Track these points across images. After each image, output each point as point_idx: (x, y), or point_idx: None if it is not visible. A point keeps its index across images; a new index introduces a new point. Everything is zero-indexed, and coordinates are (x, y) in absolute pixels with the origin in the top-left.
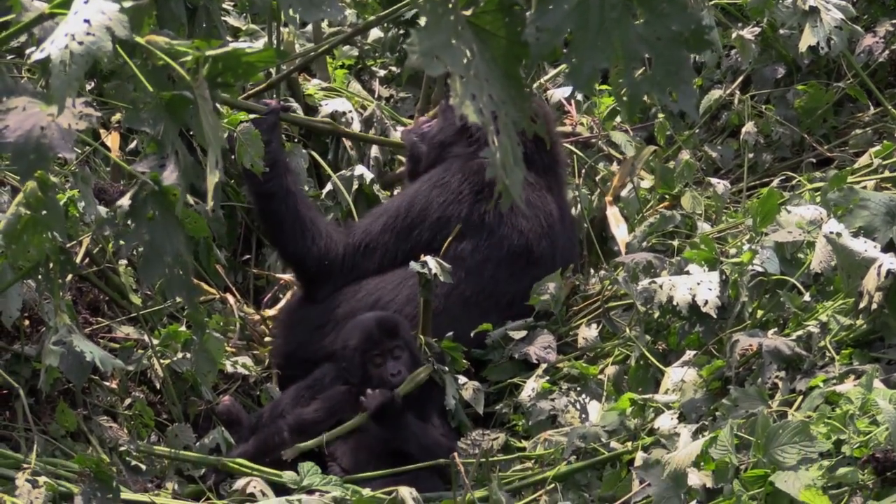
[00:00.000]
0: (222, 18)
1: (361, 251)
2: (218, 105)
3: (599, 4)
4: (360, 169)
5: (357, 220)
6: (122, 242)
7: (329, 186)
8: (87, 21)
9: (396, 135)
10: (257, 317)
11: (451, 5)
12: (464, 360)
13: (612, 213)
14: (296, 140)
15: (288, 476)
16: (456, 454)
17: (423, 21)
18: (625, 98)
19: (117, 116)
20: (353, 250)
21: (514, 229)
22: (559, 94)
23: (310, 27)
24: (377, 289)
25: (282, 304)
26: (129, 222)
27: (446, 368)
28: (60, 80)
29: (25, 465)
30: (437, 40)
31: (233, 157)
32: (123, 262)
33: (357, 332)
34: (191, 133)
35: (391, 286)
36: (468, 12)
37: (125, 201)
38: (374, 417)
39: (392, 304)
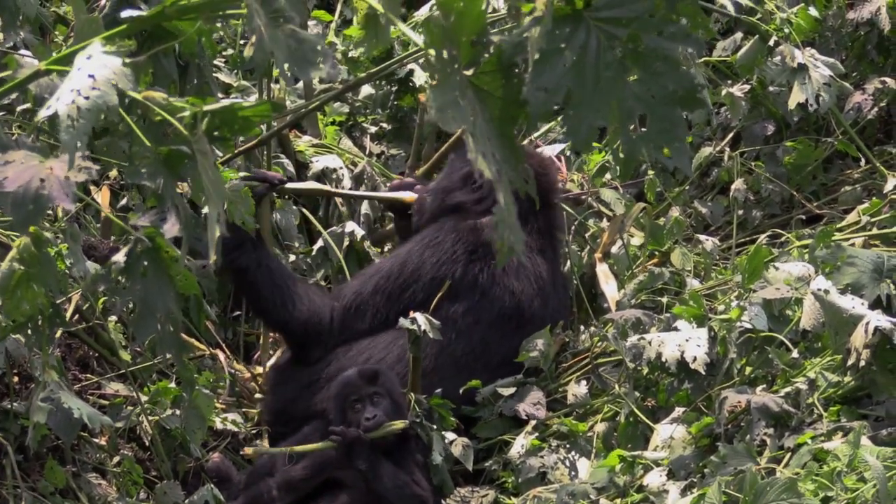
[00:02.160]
0: (213, 75)
1: (353, 312)
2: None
3: (595, 64)
4: (350, 225)
5: (348, 276)
6: (115, 299)
7: (320, 243)
8: (91, 76)
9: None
10: (247, 373)
11: (456, 66)
12: (452, 418)
13: (602, 270)
14: (286, 197)
15: None
16: None
17: (436, 78)
18: (621, 155)
19: (114, 172)
20: (342, 312)
21: (506, 290)
22: (549, 150)
23: (301, 84)
24: (367, 348)
25: (272, 361)
26: (122, 279)
27: (434, 426)
28: (70, 134)
29: None
30: (448, 98)
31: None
32: (113, 318)
33: (339, 380)
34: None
35: (382, 345)
36: (469, 73)
37: (120, 257)
38: (343, 452)
39: (382, 364)
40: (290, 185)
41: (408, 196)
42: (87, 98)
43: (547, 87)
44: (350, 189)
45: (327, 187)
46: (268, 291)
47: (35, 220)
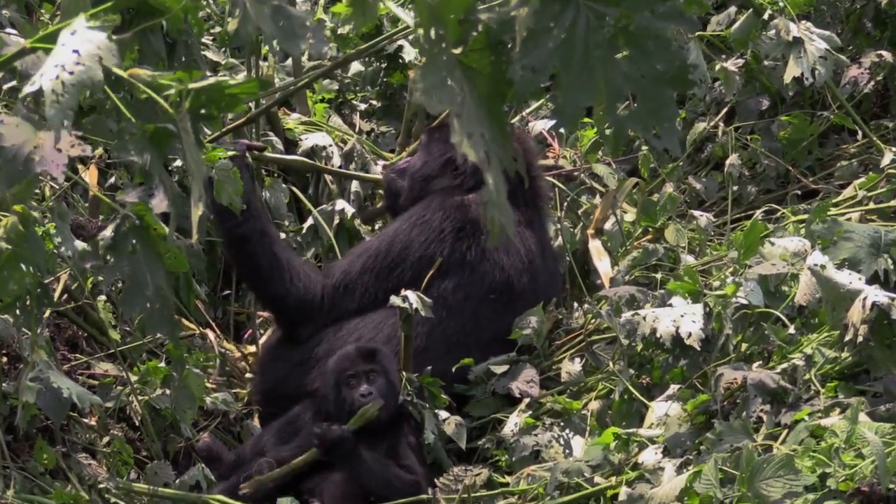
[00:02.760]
0: (201, 52)
1: (341, 291)
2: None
3: (584, 42)
4: (340, 203)
5: (339, 255)
6: (101, 277)
7: (310, 221)
8: (76, 51)
9: (377, 169)
10: (238, 353)
11: (444, 45)
12: (444, 396)
13: (595, 247)
14: (276, 175)
15: None
16: (439, 490)
17: (423, 59)
18: (608, 134)
19: (99, 151)
20: (332, 291)
21: (496, 266)
22: (541, 126)
23: (289, 61)
24: (357, 328)
25: (262, 340)
26: (109, 256)
27: (426, 404)
28: (55, 110)
29: (3, 503)
30: (434, 79)
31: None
32: (102, 297)
33: (336, 357)
34: (170, 169)
35: (372, 325)
36: (458, 51)
37: (107, 234)
38: (326, 453)
39: (373, 343)
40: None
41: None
42: (71, 73)
43: (534, 66)
44: (340, 167)
45: (314, 162)
46: (266, 263)
47: (20, 181)
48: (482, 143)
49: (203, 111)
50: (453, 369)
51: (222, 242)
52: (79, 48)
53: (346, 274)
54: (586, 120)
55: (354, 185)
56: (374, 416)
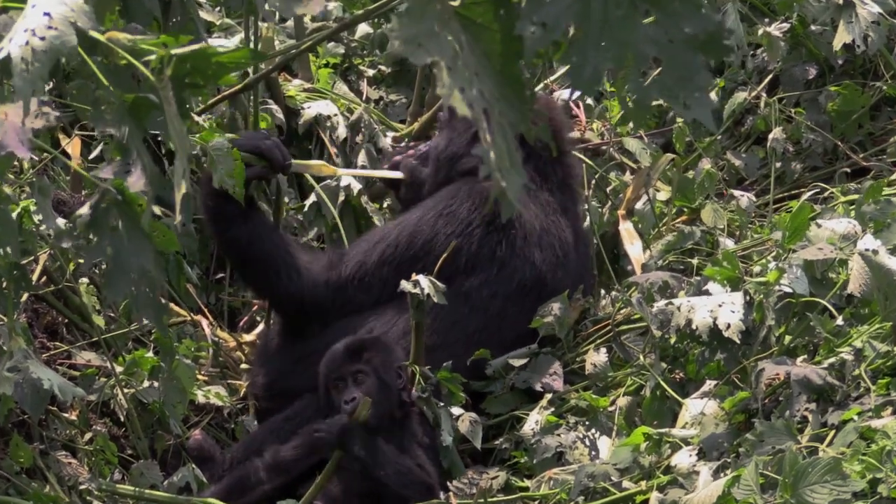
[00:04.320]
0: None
1: (356, 285)
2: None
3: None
4: (346, 179)
5: (343, 235)
6: (81, 258)
7: (312, 198)
8: (47, 14)
9: (387, 141)
10: (233, 342)
11: None
12: (461, 394)
13: (626, 229)
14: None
15: None
16: (452, 494)
17: (404, 6)
18: (631, 105)
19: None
20: (344, 283)
21: (527, 261)
22: (566, 95)
23: (291, 22)
24: (368, 322)
25: (260, 328)
26: (90, 234)
27: (441, 403)
28: (24, 80)
29: None
30: (421, 28)
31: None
32: (84, 280)
33: (326, 355)
34: (158, 139)
35: (385, 319)
36: (456, 2)
37: (85, 210)
38: (337, 444)
39: (364, 335)
40: (294, 163)
41: (400, 175)
42: (42, 39)
43: (545, 21)
44: (346, 139)
45: (334, 169)
46: (261, 265)
47: None
48: (481, 99)
49: (187, 80)
50: (468, 362)
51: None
52: (50, 10)
53: (360, 265)
54: (613, 89)
55: (361, 159)
56: (363, 418)
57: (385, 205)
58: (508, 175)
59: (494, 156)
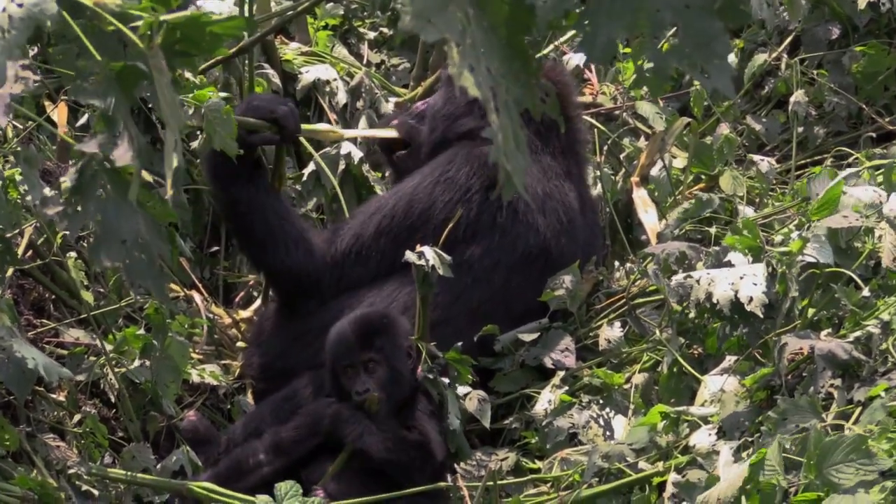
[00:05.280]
0: None
1: (352, 258)
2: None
3: None
4: (346, 146)
5: (344, 206)
6: (67, 227)
7: (311, 167)
8: None
9: (389, 107)
10: (228, 319)
11: None
12: (470, 375)
13: (640, 197)
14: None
15: (263, 501)
16: (459, 476)
17: None
18: (647, 73)
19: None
20: (341, 258)
21: (530, 228)
22: (577, 59)
23: None
24: (367, 297)
25: (256, 304)
26: (76, 201)
27: (448, 383)
28: (1, 48)
29: None
30: (431, 2)
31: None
32: (72, 254)
33: (332, 337)
34: (150, 107)
35: (385, 294)
36: None
37: (71, 176)
38: (332, 428)
39: (376, 311)
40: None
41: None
42: (20, 5)
43: None
44: (346, 105)
45: (342, 132)
46: (260, 232)
47: None
48: (489, 78)
49: (178, 47)
50: (475, 338)
51: (210, 191)
52: None
53: (357, 237)
54: (628, 51)
55: (362, 125)
56: (373, 411)
57: (387, 173)
58: (514, 157)
59: (501, 137)
